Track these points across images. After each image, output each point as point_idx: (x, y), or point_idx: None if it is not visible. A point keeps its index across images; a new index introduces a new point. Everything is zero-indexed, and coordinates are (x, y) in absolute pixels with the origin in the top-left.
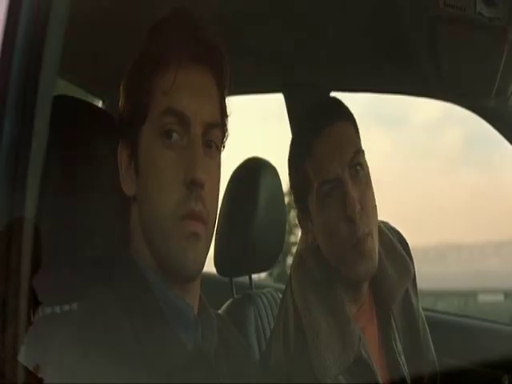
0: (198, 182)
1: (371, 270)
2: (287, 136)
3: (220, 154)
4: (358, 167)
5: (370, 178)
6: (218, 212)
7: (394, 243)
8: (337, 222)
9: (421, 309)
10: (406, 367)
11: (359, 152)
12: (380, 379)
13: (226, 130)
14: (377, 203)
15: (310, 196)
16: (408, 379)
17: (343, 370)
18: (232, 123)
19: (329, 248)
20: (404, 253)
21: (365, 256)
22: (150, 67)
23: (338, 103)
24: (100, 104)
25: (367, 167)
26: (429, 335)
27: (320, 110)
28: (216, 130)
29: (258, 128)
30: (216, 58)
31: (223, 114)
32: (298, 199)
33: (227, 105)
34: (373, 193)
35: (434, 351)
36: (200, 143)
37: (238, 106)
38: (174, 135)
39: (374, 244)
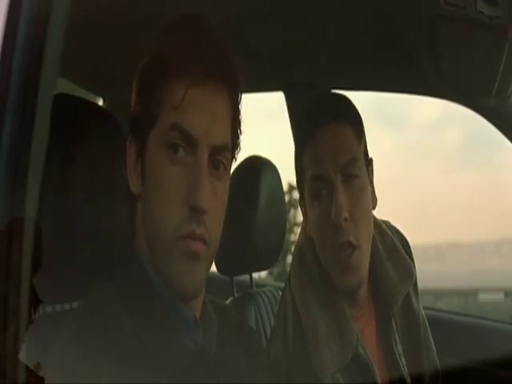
0: (200, 209)
1: (355, 284)
2: (288, 135)
3: (228, 174)
4: (353, 175)
5: (366, 189)
6: None
7: (396, 244)
8: (324, 224)
9: (421, 308)
10: (406, 369)
11: (355, 161)
12: (378, 378)
13: (238, 147)
14: (377, 203)
15: (306, 187)
16: (408, 380)
17: (341, 367)
18: None
19: (319, 244)
20: (406, 255)
21: (350, 269)
22: (163, 73)
23: (342, 103)
24: (101, 103)
25: (366, 177)
26: (429, 334)
27: (323, 106)
28: (225, 152)
29: (258, 127)
30: (232, 74)
31: (235, 133)
32: (298, 185)
33: (241, 121)
34: (368, 205)
35: (434, 350)
36: (206, 166)
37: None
38: (181, 150)
39: (362, 258)
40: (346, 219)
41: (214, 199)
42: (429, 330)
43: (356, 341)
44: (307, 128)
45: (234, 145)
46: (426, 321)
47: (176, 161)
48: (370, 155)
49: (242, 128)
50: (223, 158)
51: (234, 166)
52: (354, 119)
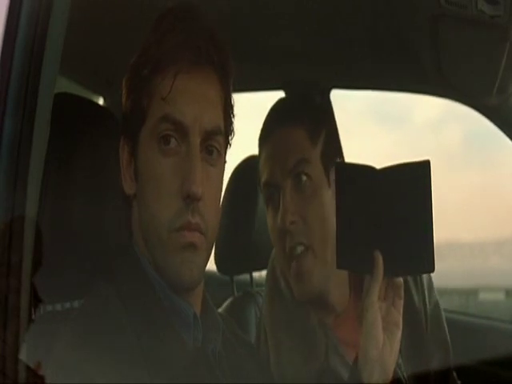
0: (195, 196)
1: (313, 291)
2: None
3: (223, 159)
4: (303, 176)
5: (321, 190)
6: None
7: None
8: (273, 229)
9: (428, 303)
10: (402, 369)
11: (305, 161)
12: None
13: (231, 132)
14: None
15: (262, 194)
16: (404, 380)
17: (307, 381)
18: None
19: (276, 252)
20: None
21: (304, 273)
22: (150, 67)
23: (296, 105)
24: (101, 102)
25: (322, 179)
26: (441, 332)
27: (275, 111)
28: (218, 136)
29: (258, 126)
30: (220, 58)
31: (227, 118)
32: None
33: (234, 105)
34: (321, 205)
35: (448, 347)
36: (198, 152)
37: (238, 105)
38: (172, 141)
39: (316, 261)
40: (293, 222)
41: (209, 185)
42: (444, 327)
43: (325, 351)
44: (262, 134)
45: (228, 129)
46: (443, 319)
47: (168, 152)
48: (371, 153)
49: (234, 112)
50: (216, 143)
51: (234, 165)
52: (306, 120)
